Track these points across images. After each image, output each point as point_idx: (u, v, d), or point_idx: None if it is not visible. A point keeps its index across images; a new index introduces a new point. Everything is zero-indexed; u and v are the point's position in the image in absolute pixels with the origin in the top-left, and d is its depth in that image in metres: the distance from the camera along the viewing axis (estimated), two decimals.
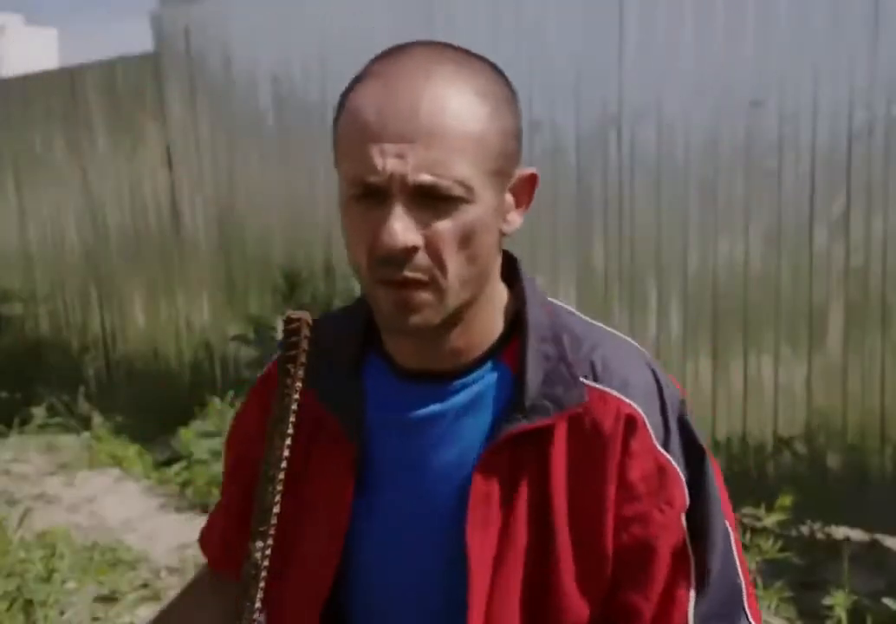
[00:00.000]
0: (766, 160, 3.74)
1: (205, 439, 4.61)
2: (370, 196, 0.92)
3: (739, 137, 3.78)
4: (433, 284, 0.93)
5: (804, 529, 3.48)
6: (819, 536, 3.48)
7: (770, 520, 3.16)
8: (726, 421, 3.89)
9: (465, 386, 1.02)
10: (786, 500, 3.15)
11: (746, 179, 3.79)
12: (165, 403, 5.38)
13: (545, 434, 0.98)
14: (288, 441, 0.75)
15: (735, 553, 1.01)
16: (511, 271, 1.06)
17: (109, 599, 3.47)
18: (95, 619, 3.33)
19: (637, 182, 4.01)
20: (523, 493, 0.98)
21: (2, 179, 6.84)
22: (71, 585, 3.41)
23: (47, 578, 3.32)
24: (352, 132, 0.93)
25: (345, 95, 0.96)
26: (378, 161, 0.90)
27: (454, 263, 0.93)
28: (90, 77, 6.03)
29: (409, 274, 0.92)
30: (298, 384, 0.73)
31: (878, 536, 3.63)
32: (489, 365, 1.02)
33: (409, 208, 0.91)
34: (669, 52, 3.87)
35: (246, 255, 5.46)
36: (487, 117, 0.93)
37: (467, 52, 0.96)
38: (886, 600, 2.92)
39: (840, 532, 3.56)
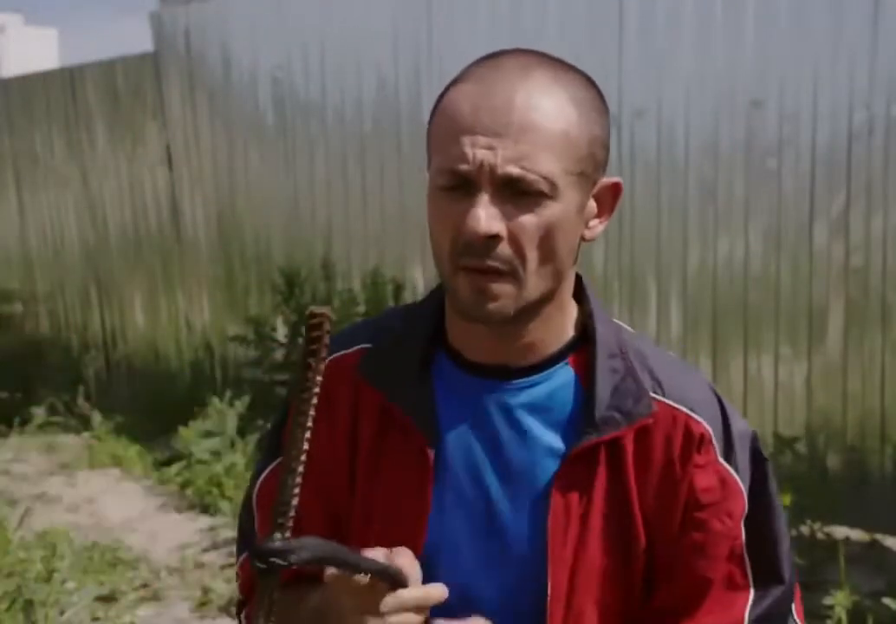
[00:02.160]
0: (766, 160, 3.74)
1: (205, 439, 4.61)
2: (458, 188, 0.95)
3: (739, 137, 3.78)
4: (512, 275, 0.96)
5: (804, 529, 3.47)
6: (819, 536, 3.48)
7: None
8: None
9: (534, 384, 1.04)
10: (785, 500, 3.14)
11: (746, 179, 3.79)
12: (165, 403, 5.38)
13: (616, 446, 1.01)
14: (308, 434, 0.76)
15: (791, 557, 1.06)
16: (578, 288, 1.09)
17: (109, 599, 3.48)
18: (95, 619, 3.33)
19: (637, 182, 4.01)
20: (598, 504, 1.01)
21: (2, 179, 6.84)
22: (71, 585, 3.41)
23: (47, 578, 3.31)
24: (446, 126, 0.96)
25: (441, 95, 0.99)
26: (469, 151, 0.93)
27: (533, 257, 0.96)
28: (90, 77, 6.03)
29: (490, 263, 0.95)
30: (319, 378, 0.74)
31: (878, 536, 3.63)
32: (559, 367, 1.05)
33: (494, 199, 0.94)
34: (669, 52, 3.87)
35: (245, 254, 5.46)
36: (577, 121, 0.96)
37: (565, 62, 1.00)
38: (886, 600, 2.92)
39: (840, 532, 3.56)
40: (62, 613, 3.20)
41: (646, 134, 3.96)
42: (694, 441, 1.01)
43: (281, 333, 4.91)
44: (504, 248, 0.94)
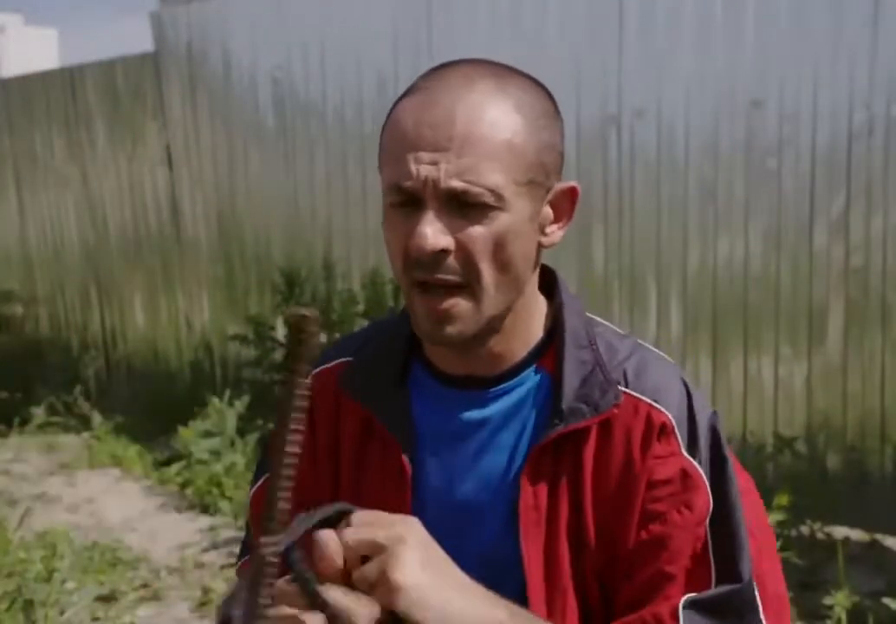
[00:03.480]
0: (766, 160, 3.74)
1: (205, 439, 4.61)
2: (407, 204, 0.95)
3: (739, 137, 3.78)
4: (467, 288, 0.95)
5: (804, 529, 3.47)
6: (819, 536, 3.48)
7: (769, 520, 3.16)
8: (726, 421, 3.88)
9: (506, 391, 1.04)
10: (783, 499, 3.15)
11: (746, 179, 3.79)
12: (165, 403, 5.38)
13: (581, 436, 1.00)
14: (294, 437, 0.75)
15: (750, 561, 0.99)
16: (550, 283, 1.09)
17: (109, 599, 3.48)
18: (95, 619, 3.33)
19: (637, 182, 4.01)
20: (563, 496, 1.00)
21: (2, 179, 6.84)
22: (71, 585, 3.41)
23: (47, 578, 3.31)
24: (392, 142, 0.96)
25: (391, 109, 0.99)
26: (412, 168, 0.93)
27: (487, 269, 0.95)
28: (90, 77, 6.03)
29: (441, 276, 0.94)
30: (304, 380, 0.73)
31: (878, 536, 3.63)
32: (529, 371, 1.05)
33: (441, 214, 0.94)
34: (669, 52, 3.87)
35: (246, 254, 5.46)
36: (523, 129, 0.95)
37: (512, 68, 0.99)
38: (886, 600, 2.92)
39: (840, 532, 3.56)
40: (62, 613, 3.20)
41: (646, 134, 3.96)
42: (654, 431, 0.99)
43: (281, 333, 4.91)
44: (453, 262, 0.94)
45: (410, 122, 0.94)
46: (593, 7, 4.02)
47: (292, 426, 0.73)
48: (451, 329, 0.96)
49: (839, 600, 2.84)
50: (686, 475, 0.99)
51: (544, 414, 1.03)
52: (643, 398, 1.01)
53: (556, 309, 1.07)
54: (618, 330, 1.10)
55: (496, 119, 0.93)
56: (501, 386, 1.04)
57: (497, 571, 1.00)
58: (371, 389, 1.07)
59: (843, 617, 2.82)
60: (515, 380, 1.04)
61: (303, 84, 5.03)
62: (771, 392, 3.84)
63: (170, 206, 5.78)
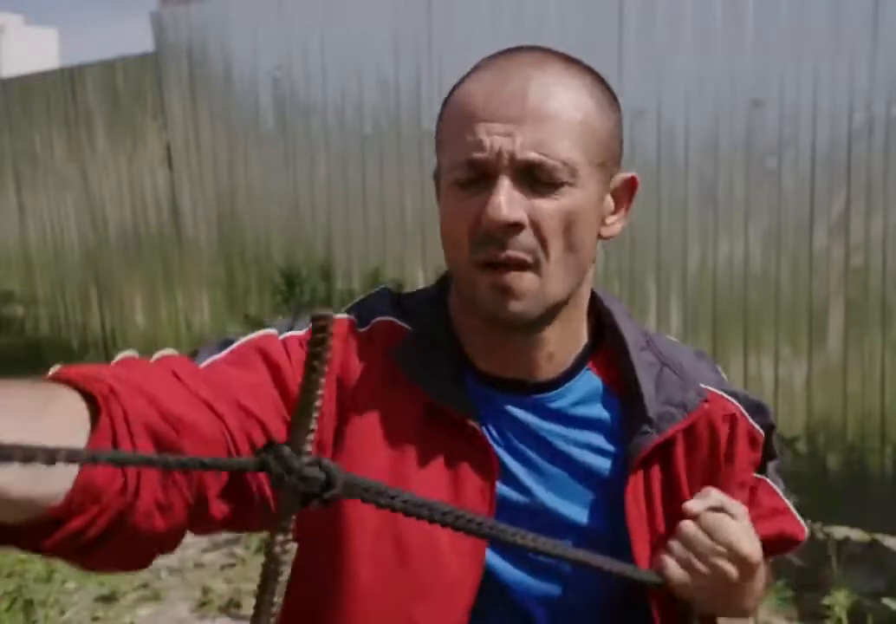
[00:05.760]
0: (766, 160, 3.74)
1: None
2: (475, 182, 0.91)
3: (739, 137, 3.78)
4: (535, 267, 0.91)
5: None
6: (819, 536, 3.48)
7: None
8: None
9: (561, 396, 0.99)
10: None
11: (746, 179, 3.79)
12: None
13: (668, 444, 0.98)
14: (310, 437, 0.74)
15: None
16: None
17: (109, 599, 3.47)
18: (95, 619, 3.33)
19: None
20: (659, 506, 0.98)
21: (2, 179, 6.84)
22: (71, 585, 3.41)
23: (47, 578, 3.32)
24: (458, 116, 0.92)
25: (453, 90, 0.95)
26: (485, 138, 0.89)
27: (556, 247, 0.91)
28: (90, 77, 6.03)
29: (511, 253, 0.90)
30: (323, 380, 0.72)
31: (878, 536, 3.63)
32: (582, 376, 1.01)
33: (514, 187, 0.89)
34: (669, 52, 3.87)
35: (246, 254, 5.46)
36: (594, 111, 0.93)
37: (579, 60, 0.98)
38: (886, 600, 2.92)
39: (840, 532, 3.56)
40: (62, 613, 3.20)
41: (646, 134, 3.96)
42: (731, 425, 1.00)
43: None
44: (525, 237, 0.90)
45: (480, 96, 0.90)
46: (593, 7, 4.02)
47: (312, 426, 0.72)
48: (516, 305, 0.91)
49: (839, 600, 2.84)
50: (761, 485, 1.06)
51: (619, 423, 0.98)
52: (732, 400, 1.01)
53: (602, 311, 1.04)
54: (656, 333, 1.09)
55: (570, 99, 0.91)
56: (556, 391, 0.99)
57: (598, 577, 0.97)
58: (431, 372, 0.97)
59: (843, 617, 2.82)
60: (569, 384, 0.99)
61: (303, 84, 5.03)
62: (771, 392, 3.84)
63: (170, 206, 5.78)
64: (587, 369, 1.01)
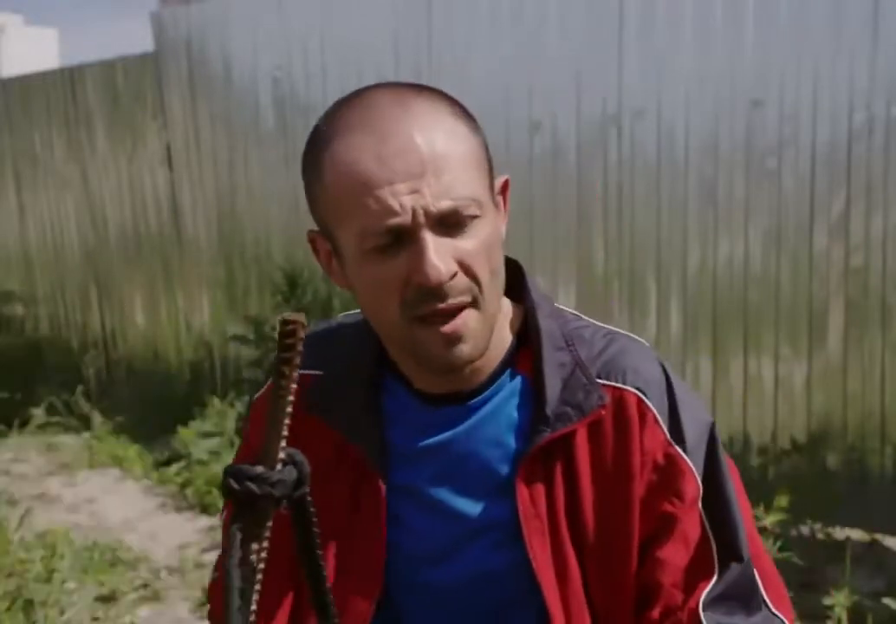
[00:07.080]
0: (766, 160, 3.74)
1: (204, 439, 4.61)
2: (390, 245, 0.91)
3: (739, 137, 3.77)
4: (475, 303, 0.94)
5: (804, 529, 3.47)
6: (819, 536, 3.48)
7: (769, 520, 3.16)
8: (726, 421, 3.88)
9: (485, 401, 1.03)
10: (782, 500, 3.14)
11: (746, 179, 3.79)
12: (165, 403, 5.38)
13: (570, 439, 0.99)
14: (283, 443, 0.74)
15: (746, 540, 1.01)
16: (515, 279, 1.06)
17: (109, 599, 3.48)
18: (95, 619, 3.33)
19: (637, 182, 4.01)
20: (560, 500, 0.99)
21: (2, 179, 6.83)
22: (71, 585, 3.41)
23: (47, 578, 3.31)
24: (352, 186, 0.91)
25: (318, 158, 0.94)
26: (393, 202, 0.89)
27: (485, 277, 0.94)
28: (90, 77, 6.03)
29: (453, 301, 0.92)
30: (293, 386, 0.72)
31: (878, 536, 3.63)
32: (505, 377, 1.03)
33: (435, 237, 0.91)
34: (669, 52, 3.87)
35: (246, 254, 5.46)
36: (469, 133, 0.94)
37: (420, 84, 0.97)
38: (886, 600, 2.92)
39: (840, 532, 3.56)
40: (62, 613, 3.20)
41: (646, 134, 3.96)
42: (641, 422, 0.99)
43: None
44: (460, 281, 0.92)
45: (370, 161, 0.89)
46: (593, 7, 4.02)
47: (284, 433, 0.72)
48: (464, 348, 0.94)
49: (839, 600, 2.84)
50: (672, 463, 0.99)
51: (527, 420, 1.01)
52: (625, 387, 1.00)
53: (528, 311, 1.05)
54: (590, 320, 1.09)
55: (449, 132, 0.92)
56: (480, 397, 1.02)
57: (494, 582, 1.00)
58: (337, 405, 1.04)
59: (843, 617, 2.82)
60: (492, 389, 1.02)
61: (303, 84, 5.03)
62: (771, 392, 3.84)
63: (170, 207, 5.78)
64: (512, 371, 1.04)
